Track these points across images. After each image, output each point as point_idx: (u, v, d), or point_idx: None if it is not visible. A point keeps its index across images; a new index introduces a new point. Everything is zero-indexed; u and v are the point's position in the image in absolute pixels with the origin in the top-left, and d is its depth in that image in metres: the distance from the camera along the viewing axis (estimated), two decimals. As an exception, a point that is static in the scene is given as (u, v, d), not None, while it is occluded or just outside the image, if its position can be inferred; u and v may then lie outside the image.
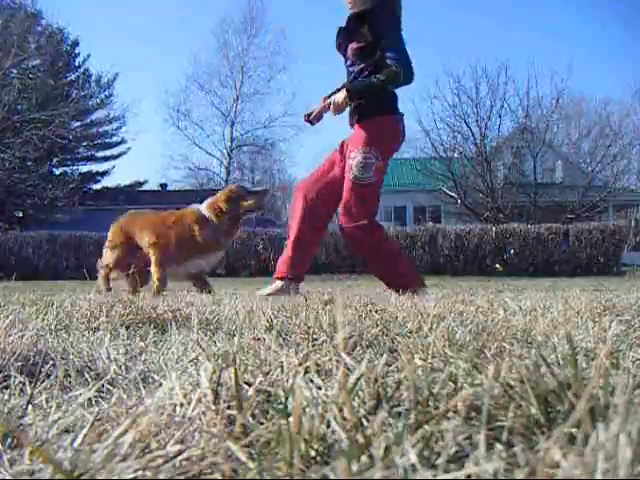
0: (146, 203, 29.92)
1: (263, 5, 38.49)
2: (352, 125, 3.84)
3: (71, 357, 1.11)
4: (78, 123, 30.10)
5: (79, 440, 0.58)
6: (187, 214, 4.19)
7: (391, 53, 3.58)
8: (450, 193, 23.87)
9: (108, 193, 31.96)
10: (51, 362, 1.06)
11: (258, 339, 1.25)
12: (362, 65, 3.69)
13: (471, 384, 0.71)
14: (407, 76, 3.59)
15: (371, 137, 3.69)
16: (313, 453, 0.56)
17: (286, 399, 0.66)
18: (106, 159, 33.47)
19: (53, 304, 2.17)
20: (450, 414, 0.62)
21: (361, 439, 0.53)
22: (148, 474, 0.52)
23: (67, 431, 0.65)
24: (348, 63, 3.81)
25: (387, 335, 1.35)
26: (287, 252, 3.87)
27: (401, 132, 3.87)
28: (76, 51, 31.52)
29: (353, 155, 3.71)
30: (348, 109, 3.83)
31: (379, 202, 3.94)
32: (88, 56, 31.80)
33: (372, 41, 3.62)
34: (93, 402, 0.82)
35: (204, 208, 4.14)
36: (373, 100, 3.69)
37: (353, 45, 3.71)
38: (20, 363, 1.04)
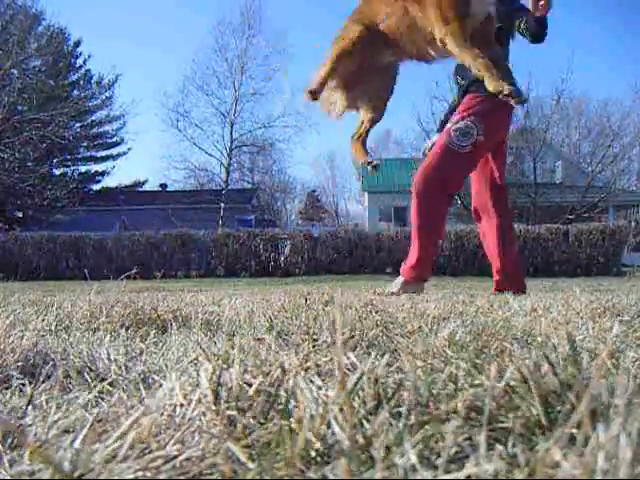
0: (146, 203, 29.96)
1: (261, 5, 38.46)
2: (462, 96, 3.69)
3: (71, 357, 1.11)
4: (78, 123, 30.13)
5: (79, 440, 0.58)
6: None
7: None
8: (450, 193, 23.83)
9: (108, 193, 32.00)
10: (51, 362, 1.06)
11: (259, 339, 1.25)
12: None
13: (471, 384, 0.71)
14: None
15: (482, 110, 3.52)
16: (313, 453, 0.56)
17: (287, 400, 0.66)
18: (106, 159, 33.53)
19: (53, 304, 2.17)
20: (451, 415, 0.62)
21: (361, 439, 0.53)
22: (148, 475, 0.52)
23: (67, 431, 0.65)
24: None
25: (387, 336, 1.35)
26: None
27: (509, 119, 3.77)
28: (78, 52, 31.58)
29: (456, 119, 3.55)
30: (458, 86, 3.73)
31: (461, 183, 3.74)
32: (89, 57, 31.87)
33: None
34: (93, 403, 0.82)
35: None
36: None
37: None
38: (20, 363, 1.04)
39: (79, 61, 31.63)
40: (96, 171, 33.22)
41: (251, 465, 0.53)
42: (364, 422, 0.61)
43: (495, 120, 3.62)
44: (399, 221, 25.15)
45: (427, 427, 0.58)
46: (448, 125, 3.59)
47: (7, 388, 0.91)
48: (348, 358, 0.83)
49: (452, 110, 3.81)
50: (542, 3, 3.28)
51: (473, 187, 3.98)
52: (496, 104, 3.55)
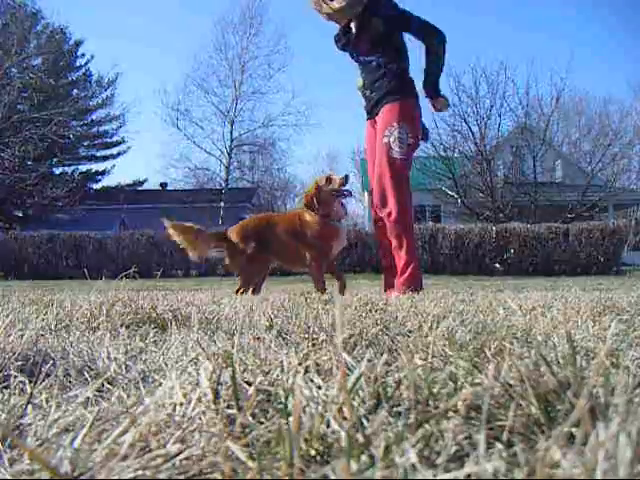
0: (146, 202, 29.95)
1: (262, 4, 38.39)
2: (375, 114, 3.92)
3: (71, 356, 1.11)
4: (78, 123, 30.12)
5: (79, 440, 0.58)
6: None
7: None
8: (450, 193, 23.82)
9: (108, 192, 31.96)
10: (51, 361, 1.06)
11: (258, 338, 1.25)
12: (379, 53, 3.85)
13: (471, 383, 0.71)
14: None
15: (403, 115, 3.78)
16: (313, 453, 0.56)
17: (286, 398, 0.66)
18: (106, 158, 33.50)
19: (53, 304, 2.17)
20: (450, 413, 0.62)
21: (361, 438, 0.53)
22: (148, 474, 0.52)
23: (67, 430, 0.65)
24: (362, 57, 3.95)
25: (387, 334, 1.35)
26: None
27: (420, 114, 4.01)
28: (78, 51, 31.56)
29: (388, 133, 3.77)
30: (367, 99, 3.95)
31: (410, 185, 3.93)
32: (92, 57, 31.83)
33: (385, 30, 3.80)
34: (93, 401, 0.82)
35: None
36: (400, 82, 3.83)
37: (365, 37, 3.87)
38: (20, 362, 1.04)
39: (79, 60, 31.64)
40: (96, 170, 33.22)
41: (251, 464, 0.53)
42: (364, 421, 0.61)
43: (416, 122, 3.88)
44: (399, 220, 25.06)
45: (427, 426, 0.58)
46: (384, 139, 3.79)
47: (6, 387, 0.91)
48: (347, 357, 0.83)
49: (369, 112, 4.02)
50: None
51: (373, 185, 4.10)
52: (412, 105, 3.85)
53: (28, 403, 0.74)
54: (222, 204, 27.71)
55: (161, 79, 70.29)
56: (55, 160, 29.60)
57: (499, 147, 24.51)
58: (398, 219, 3.75)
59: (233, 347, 1.07)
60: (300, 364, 0.86)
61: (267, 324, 1.53)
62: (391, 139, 3.75)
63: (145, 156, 73.17)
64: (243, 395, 0.69)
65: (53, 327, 1.58)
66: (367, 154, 4.17)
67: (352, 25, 3.96)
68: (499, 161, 24.76)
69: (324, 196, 4.00)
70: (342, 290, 3.96)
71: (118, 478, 0.51)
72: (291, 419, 0.56)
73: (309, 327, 1.36)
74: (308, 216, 4.00)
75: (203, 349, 0.98)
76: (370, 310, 1.81)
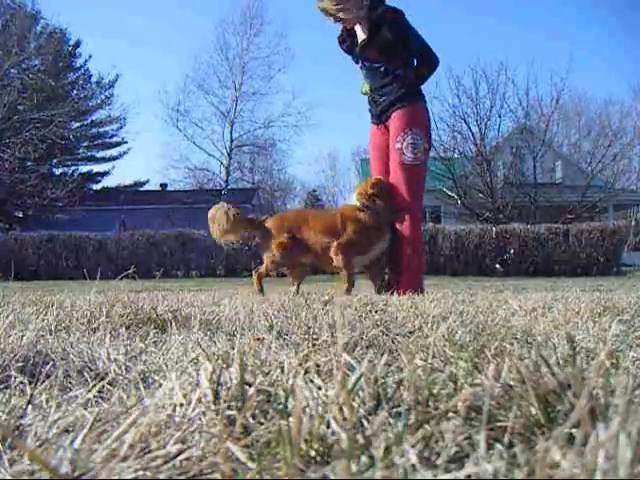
0: (146, 203, 29.95)
1: (263, 4, 38.39)
2: (385, 119, 3.96)
3: (71, 357, 1.11)
4: (78, 123, 30.13)
5: (79, 440, 0.58)
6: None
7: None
8: (450, 193, 23.81)
9: (108, 193, 31.98)
10: (51, 362, 1.06)
11: (259, 339, 1.25)
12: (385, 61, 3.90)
13: (471, 384, 0.71)
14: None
15: (414, 121, 3.86)
16: (313, 453, 0.56)
17: (286, 399, 0.66)
18: (106, 159, 33.51)
19: (53, 304, 2.17)
20: (450, 414, 0.62)
21: (361, 439, 0.53)
22: (148, 474, 0.52)
23: (67, 431, 0.65)
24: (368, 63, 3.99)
25: (387, 335, 1.35)
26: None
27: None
28: (77, 52, 31.58)
29: (400, 139, 3.83)
30: (375, 103, 4.00)
31: (424, 189, 3.99)
32: (90, 57, 31.85)
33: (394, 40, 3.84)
34: (93, 402, 0.82)
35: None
36: (409, 87, 3.89)
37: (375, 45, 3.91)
38: (20, 363, 1.04)
39: (79, 61, 31.66)
40: (96, 171, 33.24)
41: (251, 465, 0.53)
42: (364, 422, 0.61)
43: (427, 126, 3.99)
44: (399, 221, 25.03)
45: (427, 427, 0.58)
46: (397, 145, 3.85)
47: (7, 388, 0.91)
48: (347, 358, 0.83)
49: (377, 116, 4.05)
50: None
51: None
52: (422, 110, 3.96)
53: (28, 404, 0.74)
54: (222, 205, 27.69)
55: (161, 79, 70.31)
56: (55, 161, 29.62)
57: (499, 148, 24.49)
58: (409, 223, 3.82)
59: (233, 348, 1.07)
60: (300, 365, 0.86)
61: (267, 325, 1.53)
62: (403, 145, 3.81)
63: (145, 157, 73.31)
64: (243, 396, 0.69)
65: (53, 328, 1.58)
66: (371, 155, 4.20)
67: (357, 29, 3.96)
68: (499, 162, 24.73)
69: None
70: (380, 290, 3.90)
71: (118, 478, 0.51)
72: (291, 420, 0.56)
73: (309, 328, 1.36)
74: (361, 214, 3.89)
75: (203, 350, 0.98)
76: (370, 311, 1.81)
